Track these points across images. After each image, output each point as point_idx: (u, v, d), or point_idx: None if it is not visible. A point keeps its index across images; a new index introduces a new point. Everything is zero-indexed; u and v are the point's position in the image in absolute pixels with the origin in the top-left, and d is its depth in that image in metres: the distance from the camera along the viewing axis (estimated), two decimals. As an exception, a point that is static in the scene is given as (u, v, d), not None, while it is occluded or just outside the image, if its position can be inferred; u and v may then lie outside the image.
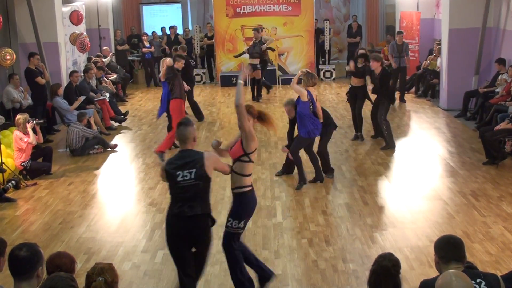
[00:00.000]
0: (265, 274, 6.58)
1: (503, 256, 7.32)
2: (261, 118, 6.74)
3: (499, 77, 13.98)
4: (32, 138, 10.93)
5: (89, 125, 13.08)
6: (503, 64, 13.99)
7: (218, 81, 20.97)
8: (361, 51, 13.48)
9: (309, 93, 9.88)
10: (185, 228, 5.89)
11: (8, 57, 12.91)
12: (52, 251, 5.54)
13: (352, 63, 13.06)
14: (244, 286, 6.38)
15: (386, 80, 12.40)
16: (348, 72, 13.95)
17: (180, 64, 12.51)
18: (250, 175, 6.33)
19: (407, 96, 17.69)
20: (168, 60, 12.54)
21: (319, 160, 10.41)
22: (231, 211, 6.43)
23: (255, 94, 17.89)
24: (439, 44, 17.00)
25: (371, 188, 10.08)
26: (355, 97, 12.99)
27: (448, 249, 4.34)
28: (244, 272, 6.41)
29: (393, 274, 4.10)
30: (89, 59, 18.01)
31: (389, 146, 12.23)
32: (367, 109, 13.31)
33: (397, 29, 21.35)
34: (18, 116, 11.14)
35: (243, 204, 6.36)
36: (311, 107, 9.89)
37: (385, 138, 12.31)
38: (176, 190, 5.88)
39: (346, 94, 13.45)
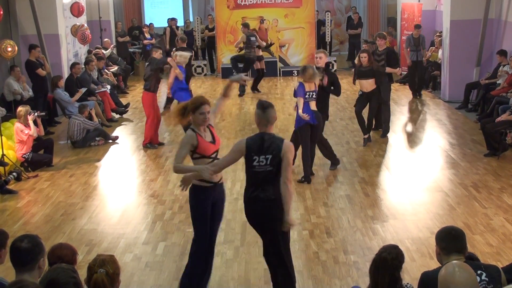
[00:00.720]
0: None
1: (504, 248, 7.33)
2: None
3: (500, 69, 13.96)
4: (33, 131, 10.92)
5: (90, 117, 13.07)
6: (505, 55, 13.96)
7: (219, 73, 20.95)
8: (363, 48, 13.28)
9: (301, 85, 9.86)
10: (258, 211, 5.93)
11: (9, 49, 12.88)
12: (54, 242, 5.56)
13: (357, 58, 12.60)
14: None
15: (394, 58, 12.33)
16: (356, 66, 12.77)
17: (157, 54, 12.54)
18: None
19: (407, 88, 17.67)
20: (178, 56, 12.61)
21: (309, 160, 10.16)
22: None
23: (256, 85, 17.89)
24: (440, 35, 16.96)
25: (372, 179, 10.08)
26: (368, 102, 12.13)
27: (450, 241, 4.35)
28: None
29: (389, 266, 4.09)
30: (89, 52, 17.99)
31: (386, 132, 12.32)
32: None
33: (398, 21, 21.34)
34: (19, 108, 11.14)
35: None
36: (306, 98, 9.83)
37: (384, 124, 12.30)
38: (250, 174, 5.91)
39: (355, 105, 12.37)
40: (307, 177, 9.94)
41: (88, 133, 12.69)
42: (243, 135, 13.07)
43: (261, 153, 5.78)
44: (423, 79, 17.07)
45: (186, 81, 13.32)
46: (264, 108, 5.88)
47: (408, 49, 16.90)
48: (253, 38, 17.40)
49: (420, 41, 16.77)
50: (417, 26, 17.11)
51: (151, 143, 12.36)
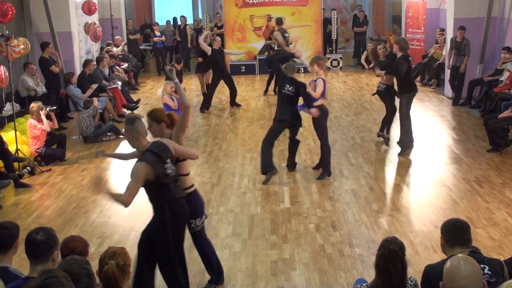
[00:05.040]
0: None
1: (506, 241, 7.31)
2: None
3: (502, 63, 13.89)
4: (46, 125, 10.96)
5: (101, 117, 13.26)
6: (511, 52, 13.82)
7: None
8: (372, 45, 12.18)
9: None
10: (187, 208, 5.95)
11: (22, 46, 12.91)
12: (67, 235, 5.57)
13: (378, 71, 11.18)
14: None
15: (401, 68, 10.61)
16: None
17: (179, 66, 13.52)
18: (188, 174, 6.20)
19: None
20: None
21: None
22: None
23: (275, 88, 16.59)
24: (442, 33, 16.87)
25: (377, 174, 10.06)
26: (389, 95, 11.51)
27: (454, 233, 4.33)
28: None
29: (400, 256, 4.09)
30: (101, 49, 18.05)
31: (406, 148, 11.02)
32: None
33: (403, 19, 21.26)
34: (31, 105, 11.18)
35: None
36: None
37: (400, 139, 11.09)
38: (163, 183, 5.78)
39: (375, 94, 12.01)
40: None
41: (99, 128, 12.75)
42: (251, 130, 13.08)
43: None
44: (460, 87, 15.02)
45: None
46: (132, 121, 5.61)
47: (452, 52, 15.03)
48: (287, 35, 16.42)
49: (462, 45, 14.73)
50: (461, 28, 14.70)
51: None
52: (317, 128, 9.91)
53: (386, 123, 11.70)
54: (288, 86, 9.59)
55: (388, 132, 11.74)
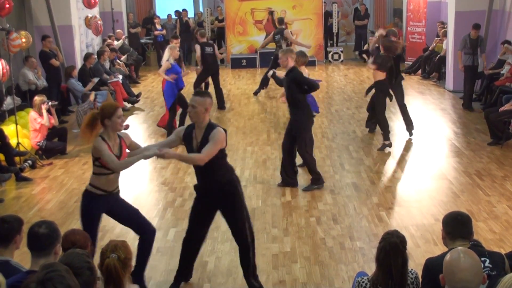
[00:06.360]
0: None
1: (506, 235, 7.31)
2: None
3: (505, 56, 13.88)
4: (45, 120, 10.94)
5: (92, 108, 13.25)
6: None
7: (229, 63, 20.94)
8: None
9: None
10: None
11: (23, 39, 12.88)
12: (68, 228, 5.57)
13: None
14: None
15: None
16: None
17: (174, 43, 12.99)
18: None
19: (413, 78, 17.61)
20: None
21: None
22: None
23: None
24: (443, 26, 16.83)
25: (378, 167, 10.06)
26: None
27: (455, 226, 4.34)
28: None
29: (401, 250, 4.10)
30: (104, 41, 18.05)
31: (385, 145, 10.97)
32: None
33: (404, 12, 21.21)
34: (35, 98, 11.18)
35: None
36: None
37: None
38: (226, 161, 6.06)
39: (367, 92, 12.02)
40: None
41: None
42: (252, 124, 13.08)
43: None
44: (473, 88, 14.18)
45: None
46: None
47: (462, 52, 14.01)
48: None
49: (478, 43, 13.86)
50: (476, 26, 13.83)
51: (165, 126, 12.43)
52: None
53: (373, 121, 11.74)
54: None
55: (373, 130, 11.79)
